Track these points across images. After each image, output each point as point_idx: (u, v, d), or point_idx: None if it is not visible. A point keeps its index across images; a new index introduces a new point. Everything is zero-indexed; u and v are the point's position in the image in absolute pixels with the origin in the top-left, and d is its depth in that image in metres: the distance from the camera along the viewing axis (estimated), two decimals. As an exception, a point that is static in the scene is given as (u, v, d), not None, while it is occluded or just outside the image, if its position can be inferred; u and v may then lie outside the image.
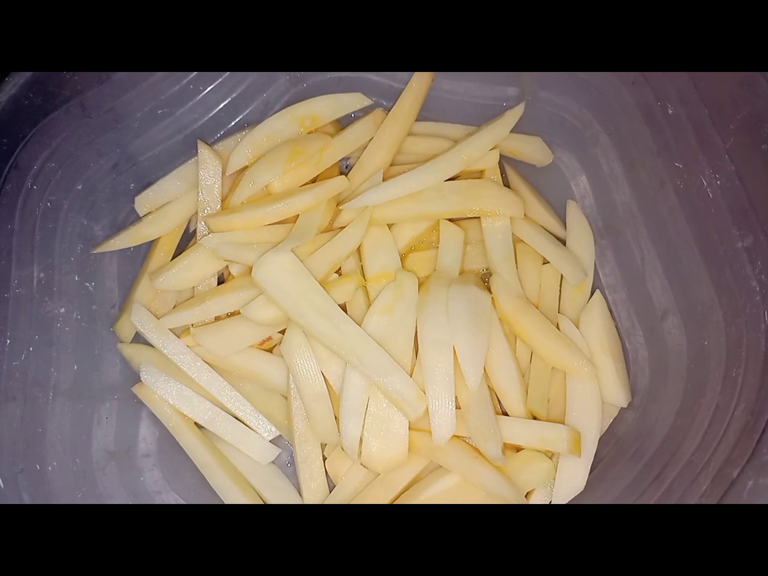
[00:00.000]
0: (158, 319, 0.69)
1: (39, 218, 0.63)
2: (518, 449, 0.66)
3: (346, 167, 0.76)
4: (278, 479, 0.69)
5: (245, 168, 0.72)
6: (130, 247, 0.73)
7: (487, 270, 0.74)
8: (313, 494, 0.67)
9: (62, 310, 0.65)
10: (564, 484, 0.64)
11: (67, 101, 0.62)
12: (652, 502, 0.55)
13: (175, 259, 0.71)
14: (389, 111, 0.75)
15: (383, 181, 0.71)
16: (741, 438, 0.49)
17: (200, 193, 0.72)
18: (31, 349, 0.61)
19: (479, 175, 0.76)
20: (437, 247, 0.72)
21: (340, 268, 0.71)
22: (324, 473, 0.68)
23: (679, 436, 0.57)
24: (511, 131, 0.74)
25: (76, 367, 0.66)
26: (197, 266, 0.70)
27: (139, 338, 0.72)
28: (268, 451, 0.69)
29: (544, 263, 0.74)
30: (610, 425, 0.69)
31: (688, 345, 0.61)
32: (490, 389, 0.67)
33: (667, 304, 0.64)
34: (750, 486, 0.45)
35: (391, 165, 0.76)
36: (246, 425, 0.68)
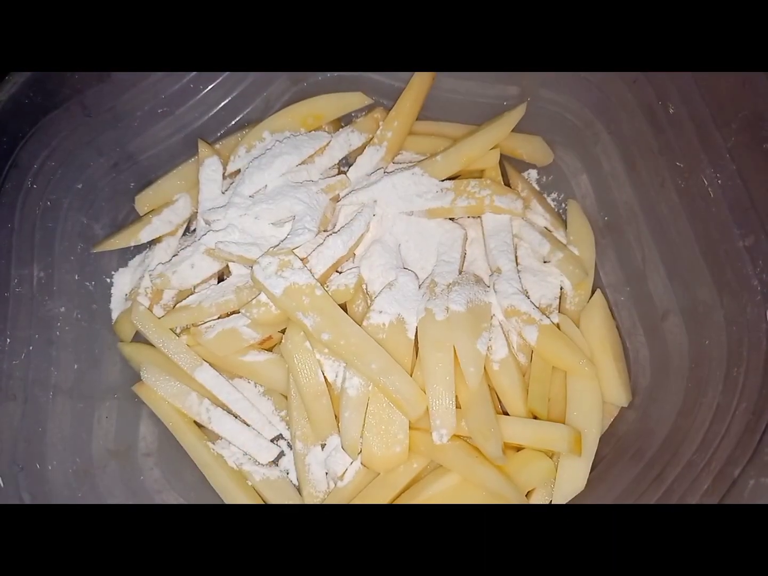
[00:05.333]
0: (158, 318, 0.69)
1: (39, 217, 0.63)
2: (518, 449, 0.66)
3: (347, 166, 0.76)
4: (278, 479, 0.69)
5: (246, 167, 0.72)
6: (130, 246, 0.73)
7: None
8: (313, 494, 0.67)
9: (62, 309, 0.65)
10: (564, 483, 0.64)
11: (67, 100, 0.62)
12: (653, 501, 0.55)
13: (175, 258, 0.71)
14: (390, 110, 0.75)
15: (384, 180, 0.71)
16: (742, 437, 0.49)
17: (200, 192, 0.72)
18: (31, 348, 0.61)
19: (480, 174, 0.76)
20: (437, 245, 0.72)
21: (340, 266, 0.71)
22: (324, 473, 0.68)
23: (680, 435, 0.57)
24: (512, 130, 0.74)
25: (76, 367, 0.66)
26: (197, 265, 0.70)
27: (139, 337, 0.72)
28: (268, 450, 0.68)
29: (544, 262, 0.74)
30: (610, 425, 0.69)
31: (689, 344, 0.61)
32: (491, 389, 0.67)
33: (668, 303, 0.64)
34: (751, 485, 0.45)
35: (392, 164, 0.76)
36: (246, 424, 0.68)
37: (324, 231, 0.70)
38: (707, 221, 0.57)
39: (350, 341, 0.62)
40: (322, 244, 0.67)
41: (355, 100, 0.76)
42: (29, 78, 0.58)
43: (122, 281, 0.74)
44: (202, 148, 0.73)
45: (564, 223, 0.77)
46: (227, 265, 0.71)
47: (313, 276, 0.64)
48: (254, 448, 0.68)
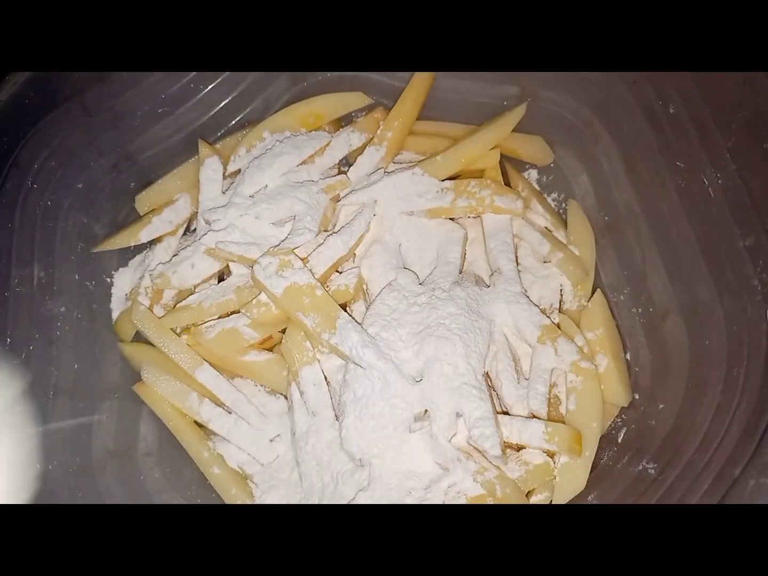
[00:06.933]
0: (159, 318, 0.69)
1: (39, 217, 0.63)
2: (519, 449, 0.66)
3: (347, 166, 0.76)
4: (278, 478, 0.69)
5: (246, 167, 0.72)
6: (130, 246, 0.73)
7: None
8: (312, 490, 0.67)
9: (62, 309, 0.65)
10: (564, 483, 0.64)
11: (67, 100, 0.62)
12: (653, 501, 0.55)
13: (175, 258, 0.71)
14: (390, 110, 0.75)
15: (384, 180, 0.71)
16: (742, 437, 0.49)
17: (201, 192, 0.72)
18: (31, 348, 0.61)
19: (480, 174, 0.76)
20: (437, 245, 0.72)
21: (340, 266, 0.71)
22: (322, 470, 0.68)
23: (680, 435, 0.57)
24: (512, 130, 0.74)
25: (76, 366, 0.66)
26: (197, 265, 0.70)
27: (139, 337, 0.72)
28: (268, 450, 0.68)
29: (545, 262, 0.74)
30: (610, 425, 0.69)
31: (689, 344, 0.61)
32: (491, 388, 0.67)
33: (668, 303, 0.64)
34: (752, 485, 0.45)
35: (393, 164, 0.76)
36: (247, 424, 0.68)
37: (324, 231, 0.70)
38: (707, 221, 0.57)
39: (350, 340, 0.62)
40: (322, 244, 0.67)
41: (355, 100, 0.76)
42: (29, 78, 0.58)
43: (122, 281, 0.74)
44: (203, 148, 0.73)
45: (564, 223, 0.77)
46: (227, 265, 0.71)
47: (313, 276, 0.64)
48: (254, 448, 0.68)
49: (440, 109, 0.78)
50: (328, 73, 0.75)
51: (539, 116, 0.75)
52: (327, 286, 0.67)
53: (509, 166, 0.79)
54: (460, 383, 0.62)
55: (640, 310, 0.68)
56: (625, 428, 0.67)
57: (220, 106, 0.74)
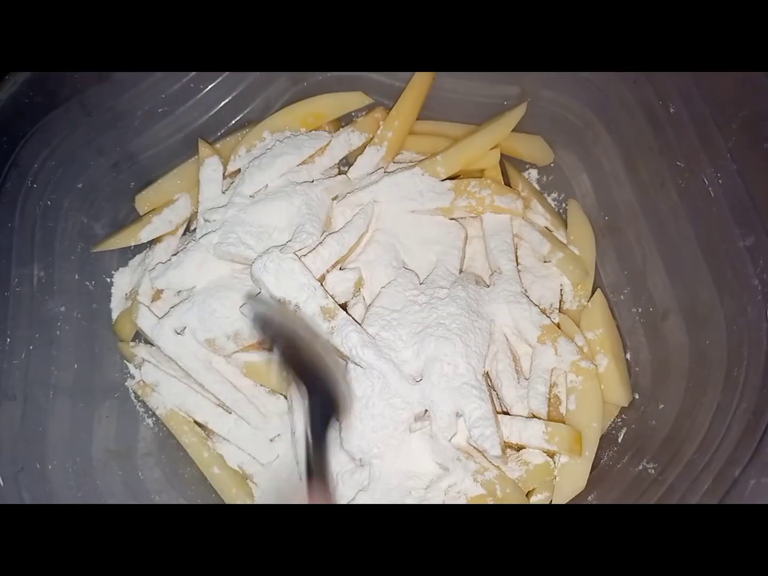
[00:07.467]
0: (158, 318, 0.69)
1: (39, 217, 0.63)
2: (519, 449, 0.66)
3: (347, 166, 0.76)
4: (278, 479, 0.69)
5: (246, 167, 0.72)
6: (130, 246, 0.73)
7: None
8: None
9: (62, 309, 0.65)
10: (564, 483, 0.64)
11: (67, 100, 0.62)
12: (653, 501, 0.55)
13: (175, 258, 0.71)
14: (390, 110, 0.75)
15: (384, 180, 0.71)
16: (743, 438, 0.49)
17: (201, 192, 0.72)
18: (31, 347, 0.61)
19: (480, 173, 0.76)
20: (437, 245, 0.72)
21: (340, 266, 0.71)
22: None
23: (681, 435, 0.57)
24: (513, 130, 0.74)
25: (76, 366, 0.66)
26: (197, 265, 0.69)
27: (139, 337, 0.72)
28: (268, 450, 0.68)
29: (545, 262, 0.74)
30: (610, 425, 0.69)
31: (689, 344, 0.61)
32: (491, 388, 0.67)
33: (668, 303, 0.64)
34: (752, 486, 0.45)
35: (393, 163, 0.76)
36: (247, 424, 0.68)
37: (324, 231, 0.70)
38: (707, 221, 0.57)
39: (350, 340, 0.62)
40: (321, 243, 0.67)
41: (355, 99, 0.76)
42: (29, 78, 0.58)
43: (122, 281, 0.74)
44: (203, 148, 0.73)
45: (564, 223, 0.77)
46: (227, 265, 0.71)
47: (312, 275, 0.64)
48: (254, 448, 0.68)
49: (440, 109, 0.78)
50: (328, 73, 0.75)
51: (539, 116, 0.75)
52: (327, 286, 0.67)
53: (509, 165, 0.79)
54: (460, 383, 0.62)
55: (640, 310, 0.68)
56: (625, 428, 0.67)
57: (220, 105, 0.74)
